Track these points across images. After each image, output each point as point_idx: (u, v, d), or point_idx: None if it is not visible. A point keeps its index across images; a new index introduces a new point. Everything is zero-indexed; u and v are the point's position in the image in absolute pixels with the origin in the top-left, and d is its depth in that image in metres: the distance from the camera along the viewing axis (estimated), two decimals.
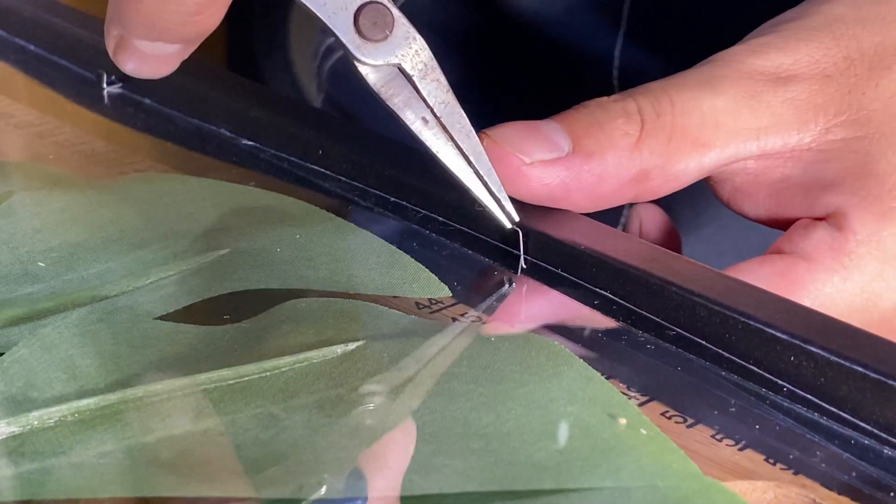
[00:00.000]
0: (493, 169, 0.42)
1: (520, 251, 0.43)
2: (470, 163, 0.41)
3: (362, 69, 0.40)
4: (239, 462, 0.32)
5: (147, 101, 0.56)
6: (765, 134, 0.43)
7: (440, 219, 0.45)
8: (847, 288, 0.42)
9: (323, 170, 0.49)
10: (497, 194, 0.42)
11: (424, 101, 0.41)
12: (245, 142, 0.52)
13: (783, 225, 0.45)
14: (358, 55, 0.39)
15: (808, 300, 0.41)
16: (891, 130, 0.43)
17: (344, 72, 0.75)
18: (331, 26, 0.39)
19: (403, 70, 0.40)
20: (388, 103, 0.40)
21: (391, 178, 0.47)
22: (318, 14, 0.39)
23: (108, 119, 0.56)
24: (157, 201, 0.47)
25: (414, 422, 0.34)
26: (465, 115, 0.41)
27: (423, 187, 0.46)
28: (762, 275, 0.41)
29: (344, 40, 0.39)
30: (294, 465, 0.32)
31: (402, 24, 0.40)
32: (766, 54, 0.44)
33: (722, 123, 0.43)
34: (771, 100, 0.44)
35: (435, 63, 0.40)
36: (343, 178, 0.49)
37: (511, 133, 0.42)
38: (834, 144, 0.44)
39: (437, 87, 0.41)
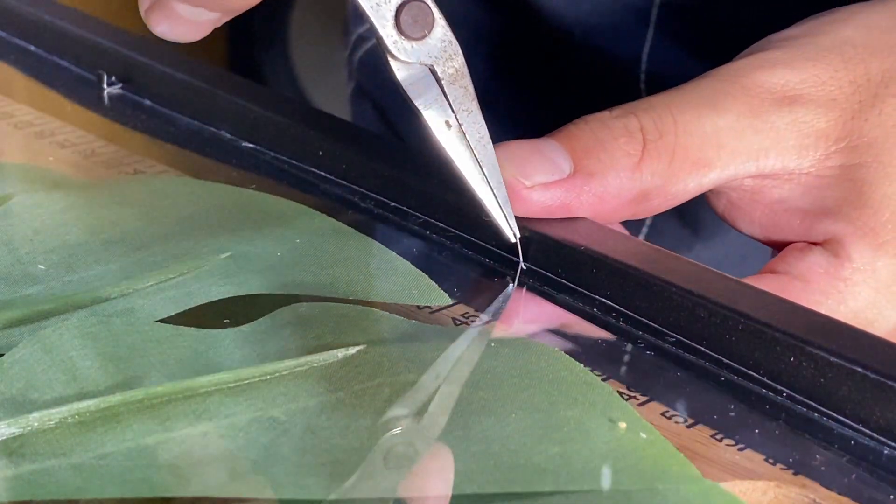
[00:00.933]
0: (504, 183, 0.41)
1: (519, 258, 0.43)
2: (483, 173, 0.41)
3: (394, 64, 0.40)
4: (239, 464, 0.32)
5: (147, 101, 0.56)
6: (765, 156, 0.43)
7: (440, 224, 0.45)
8: (840, 312, 0.42)
9: (323, 173, 0.49)
10: (503, 208, 0.42)
11: (450, 105, 0.40)
12: (245, 144, 0.52)
13: (776, 244, 0.45)
14: (393, 50, 0.39)
15: None
16: (889, 159, 0.43)
17: (374, 62, 0.75)
18: (372, 17, 0.39)
19: (434, 72, 0.40)
20: (414, 101, 0.40)
21: (392, 181, 0.47)
22: (362, 3, 0.38)
23: (108, 119, 0.56)
24: (157, 203, 0.47)
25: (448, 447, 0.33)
26: (485, 125, 0.41)
27: (424, 191, 0.46)
28: None
29: (382, 33, 0.39)
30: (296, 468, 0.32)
31: (442, 25, 0.39)
32: (773, 70, 0.44)
33: (724, 144, 0.43)
34: (775, 121, 0.43)
35: (466, 70, 0.40)
36: (343, 182, 0.49)
37: (512, 155, 0.42)
38: (832, 171, 0.44)
39: (464, 94, 0.40)
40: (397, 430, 0.33)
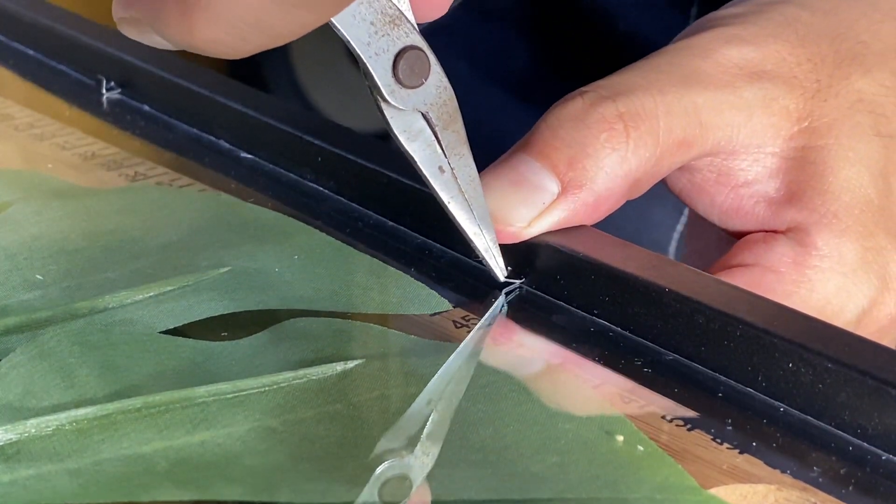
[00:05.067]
0: (491, 225, 0.41)
1: (514, 282, 0.43)
2: (474, 215, 0.41)
3: (388, 111, 0.39)
4: (236, 469, 0.32)
5: (146, 107, 0.56)
6: (738, 132, 0.43)
7: (438, 247, 0.45)
8: (813, 299, 0.42)
9: (320, 187, 0.49)
10: (492, 248, 0.41)
11: (443, 151, 0.40)
12: (244, 154, 0.52)
13: (733, 230, 0.45)
14: (389, 98, 0.39)
15: None
16: (846, 141, 0.44)
17: None
18: (370, 67, 0.38)
19: (428, 118, 0.40)
20: (406, 147, 0.40)
21: (392, 189, 0.47)
22: (360, 53, 0.38)
23: (107, 124, 0.56)
24: (157, 213, 0.47)
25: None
26: (475, 168, 0.41)
27: (424, 199, 0.45)
28: None
29: (379, 82, 0.38)
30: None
31: (437, 72, 0.39)
32: (739, 46, 0.44)
33: (704, 121, 0.43)
34: (748, 96, 0.43)
35: (459, 114, 0.40)
36: (343, 199, 0.49)
37: (499, 196, 0.41)
38: (795, 153, 0.44)
39: (456, 139, 0.40)
40: (390, 463, 0.33)
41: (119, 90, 0.58)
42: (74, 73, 0.59)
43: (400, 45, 0.38)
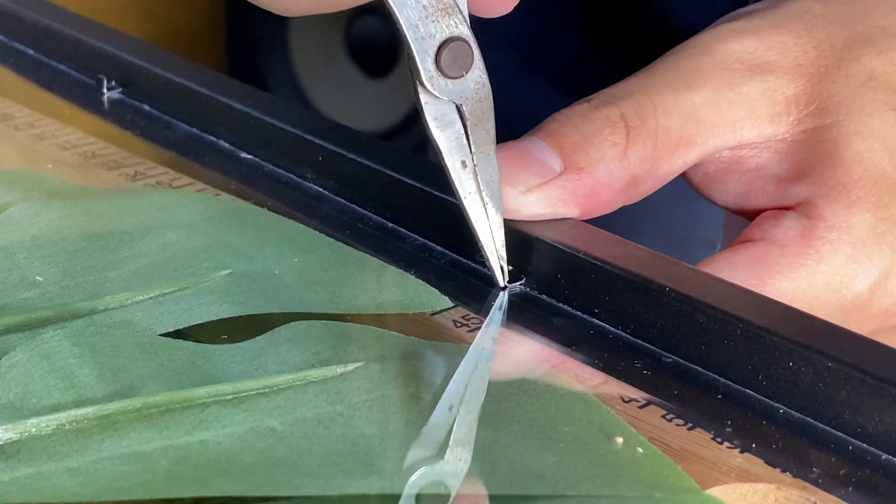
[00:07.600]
0: (503, 230, 0.42)
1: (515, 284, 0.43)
2: (487, 216, 0.41)
3: (423, 96, 0.39)
4: (235, 466, 0.32)
5: (146, 106, 0.56)
6: (741, 126, 0.44)
7: (438, 247, 0.45)
8: (822, 270, 0.42)
9: (320, 187, 0.49)
10: (498, 252, 0.42)
11: (469, 146, 0.40)
12: (244, 154, 0.52)
13: (749, 213, 0.45)
14: (427, 85, 0.39)
15: (784, 283, 0.42)
16: (858, 117, 0.44)
17: None
18: (414, 50, 0.38)
19: (461, 111, 0.40)
20: (435, 136, 0.40)
21: (393, 188, 0.47)
22: (407, 34, 0.38)
23: (108, 123, 0.56)
24: (156, 213, 0.47)
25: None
26: (498, 170, 0.41)
27: (426, 199, 0.46)
28: (739, 262, 0.42)
29: (420, 66, 0.39)
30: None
31: (479, 67, 0.39)
32: (741, 40, 0.45)
33: (703, 120, 0.44)
34: (749, 91, 0.44)
35: (492, 113, 0.40)
36: (343, 199, 0.49)
37: (502, 164, 0.42)
38: (805, 135, 0.44)
39: (485, 137, 0.40)
40: (422, 471, 0.33)
41: (119, 90, 0.58)
42: (75, 72, 0.60)
43: (447, 34, 0.38)
